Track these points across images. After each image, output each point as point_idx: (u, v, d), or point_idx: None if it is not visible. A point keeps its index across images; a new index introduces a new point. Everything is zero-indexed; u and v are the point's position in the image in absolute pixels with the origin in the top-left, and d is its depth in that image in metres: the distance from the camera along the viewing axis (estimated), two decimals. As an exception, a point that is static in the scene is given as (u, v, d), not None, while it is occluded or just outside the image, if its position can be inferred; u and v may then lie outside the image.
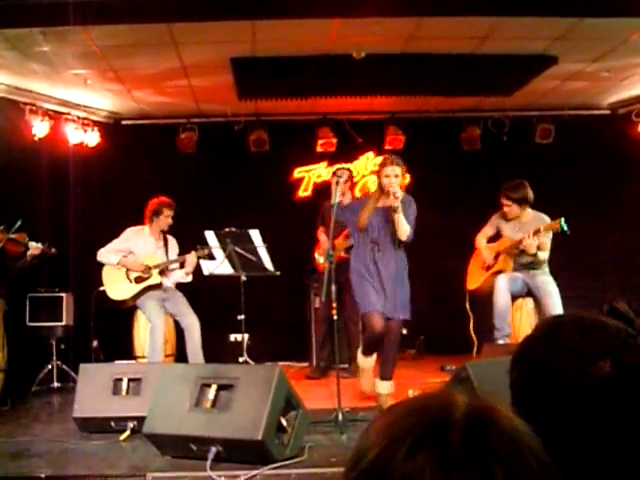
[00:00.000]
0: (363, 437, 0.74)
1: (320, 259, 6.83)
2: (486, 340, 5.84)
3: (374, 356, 5.25)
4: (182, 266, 6.47)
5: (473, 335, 6.08)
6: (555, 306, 5.61)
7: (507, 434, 0.70)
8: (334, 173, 5.64)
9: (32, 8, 4.83)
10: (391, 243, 5.10)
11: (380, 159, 5.42)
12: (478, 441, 0.68)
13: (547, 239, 5.72)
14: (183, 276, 6.42)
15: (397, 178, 5.00)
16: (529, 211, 5.90)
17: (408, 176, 8.31)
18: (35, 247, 5.91)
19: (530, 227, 5.72)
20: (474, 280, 6.24)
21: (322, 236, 6.95)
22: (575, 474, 0.94)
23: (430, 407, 0.74)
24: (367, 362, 5.27)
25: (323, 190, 7.93)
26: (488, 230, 6.15)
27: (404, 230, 4.98)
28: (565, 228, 5.46)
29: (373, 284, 5.05)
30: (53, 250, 6.17)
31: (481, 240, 6.17)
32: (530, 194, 5.83)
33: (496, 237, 6.16)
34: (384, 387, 5.16)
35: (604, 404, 0.99)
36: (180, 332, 6.34)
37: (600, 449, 0.98)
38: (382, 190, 5.07)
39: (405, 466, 0.67)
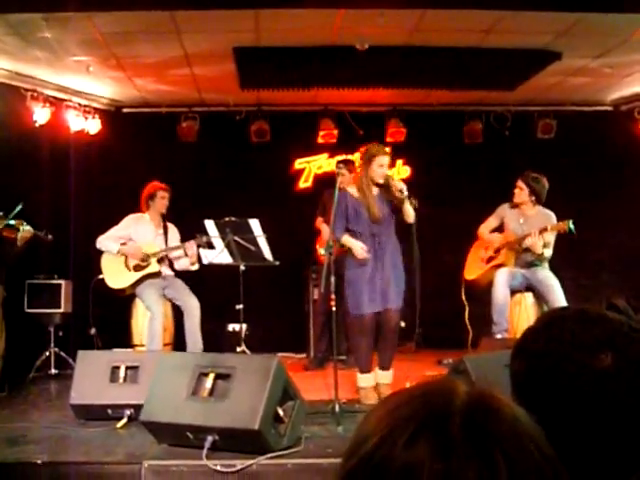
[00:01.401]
0: (362, 425, 0.74)
1: (322, 250, 6.81)
2: (482, 332, 5.85)
3: (373, 373, 5.17)
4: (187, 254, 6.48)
5: (468, 325, 6.09)
6: (559, 300, 5.61)
7: (508, 422, 0.70)
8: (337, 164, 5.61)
9: (34, -7, 4.83)
10: (388, 231, 5.13)
11: (367, 146, 5.24)
12: (479, 429, 0.68)
13: (552, 237, 5.72)
14: (189, 265, 6.43)
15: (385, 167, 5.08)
16: (536, 206, 5.90)
17: (408, 169, 8.37)
18: (27, 230, 5.68)
19: (535, 222, 5.72)
20: (472, 271, 6.23)
21: (324, 227, 6.91)
22: (576, 465, 0.94)
23: (431, 395, 0.74)
24: (367, 379, 5.14)
25: (324, 181, 7.93)
26: (492, 221, 6.13)
27: (411, 214, 5.04)
28: (573, 229, 5.46)
29: (369, 278, 5.04)
30: (49, 237, 6.10)
31: (484, 231, 6.16)
32: (543, 193, 5.83)
33: (499, 230, 6.15)
34: (383, 377, 5.16)
35: (604, 396, 0.99)
36: (179, 321, 6.34)
37: (600, 441, 0.99)
38: (373, 179, 5.06)
39: (405, 454, 0.67)
